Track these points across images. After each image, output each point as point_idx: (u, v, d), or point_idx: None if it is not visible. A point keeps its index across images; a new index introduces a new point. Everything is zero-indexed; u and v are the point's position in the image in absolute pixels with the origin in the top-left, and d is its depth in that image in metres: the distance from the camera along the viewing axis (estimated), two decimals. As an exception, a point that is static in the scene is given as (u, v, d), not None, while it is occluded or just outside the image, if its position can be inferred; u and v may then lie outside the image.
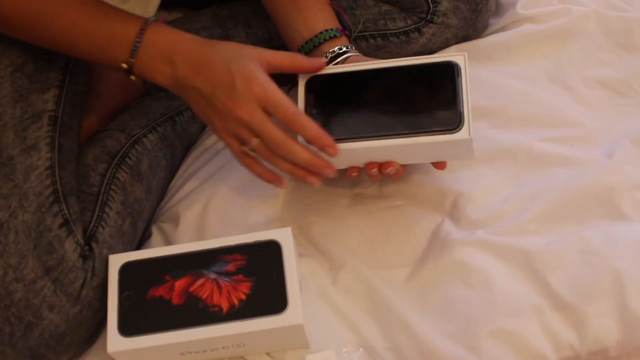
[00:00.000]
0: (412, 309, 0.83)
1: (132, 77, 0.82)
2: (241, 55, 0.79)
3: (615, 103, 0.99)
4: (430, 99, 0.82)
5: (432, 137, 0.79)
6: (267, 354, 0.83)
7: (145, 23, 0.81)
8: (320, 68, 0.84)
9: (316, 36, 0.88)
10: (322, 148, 0.79)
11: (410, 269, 0.87)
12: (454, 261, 0.85)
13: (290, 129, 0.79)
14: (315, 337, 0.82)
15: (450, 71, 0.81)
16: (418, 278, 0.86)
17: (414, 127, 0.80)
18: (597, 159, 0.91)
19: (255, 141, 0.79)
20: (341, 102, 0.84)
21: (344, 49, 0.88)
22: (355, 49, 0.89)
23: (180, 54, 0.80)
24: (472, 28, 1.03)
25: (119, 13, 0.82)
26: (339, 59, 0.88)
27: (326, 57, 0.87)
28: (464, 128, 0.78)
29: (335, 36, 0.89)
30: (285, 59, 0.82)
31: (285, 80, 1.07)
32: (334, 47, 0.88)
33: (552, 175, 0.91)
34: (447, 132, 0.79)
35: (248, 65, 0.78)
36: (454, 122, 0.78)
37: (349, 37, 0.92)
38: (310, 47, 0.89)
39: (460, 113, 0.79)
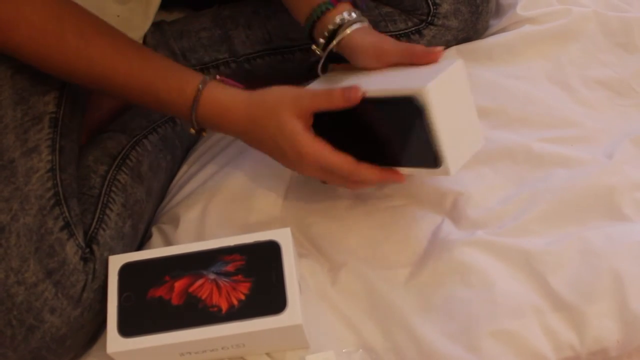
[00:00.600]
0: (412, 309, 0.83)
1: (204, 134, 0.86)
2: (283, 123, 0.79)
3: (615, 103, 0.99)
4: (406, 137, 0.77)
5: (416, 169, 0.79)
6: (267, 354, 0.83)
7: (197, 89, 0.82)
8: (357, 100, 0.76)
9: (313, 11, 0.86)
10: (392, 182, 0.82)
11: (410, 269, 0.87)
12: (454, 261, 0.85)
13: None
14: (315, 337, 0.82)
15: (415, 110, 0.73)
16: (418, 278, 0.86)
17: (394, 164, 0.79)
18: (597, 159, 0.91)
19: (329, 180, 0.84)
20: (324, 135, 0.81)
21: (345, 16, 0.84)
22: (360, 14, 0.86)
23: (229, 127, 0.83)
24: (472, 30, 1.03)
25: (172, 74, 0.83)
26: (340, 36, 0.84)
27: (325, 35, 0.85)
28: (444, 164, 0.74)
29: (327, 9, 0.85)
30: (322, 102, 0.79)
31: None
32: (333, 20, 0.85)
33: (552, 176, 0.91)
34: (429, 167, 0.76)
35: (293, 135, 0.79)
36: (433, 161, 0.75)
37: (354, 3, 0.88)
38: (311, 25, 0.87)
39: (435, 153, 0.74)
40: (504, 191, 0.91)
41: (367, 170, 0.79)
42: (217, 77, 0.84)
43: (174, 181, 1.01)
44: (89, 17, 0.81)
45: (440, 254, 0.86)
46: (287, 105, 0.79)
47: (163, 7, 1.06)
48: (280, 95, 0.80)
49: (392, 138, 0.78)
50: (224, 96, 0.82)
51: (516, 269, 0.84)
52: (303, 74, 1.09)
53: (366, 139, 0.80)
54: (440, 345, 0.80)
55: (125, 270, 0.81)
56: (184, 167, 1.02)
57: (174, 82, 0.82)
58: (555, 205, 0.88)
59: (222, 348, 0.79)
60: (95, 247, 0.83)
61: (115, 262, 0.82)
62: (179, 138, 1.02)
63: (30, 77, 0.84)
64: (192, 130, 0.84)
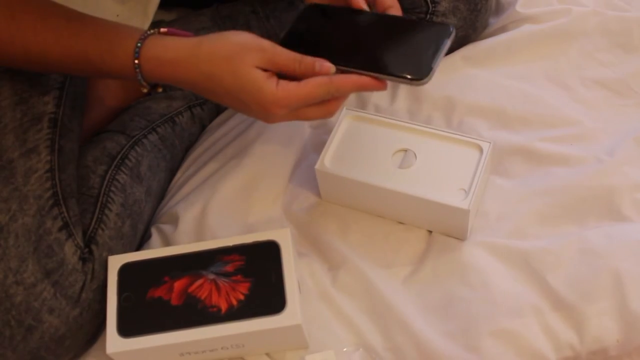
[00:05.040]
0: (412, 309, 0.83)
1: (159, 89, 0.80)
2: (242, 75, 0.72)
3: (614, 103, 0.99)
4: (405, 49, 0.76)
5: (396, 79, 0.75)
6: (267, 354, 0.83)
7: (134, 52, 0.75)
8: (329, 72, 0.73)
9: None
10: (370, 90, 0.75)
11: (409, 269, 0.87)
12: (453, 261, 0.85)
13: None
14: (315, 337, 0.82)
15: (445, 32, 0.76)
16: (417, 278, 0.86)
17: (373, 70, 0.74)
18: (597, 158, 0.91)
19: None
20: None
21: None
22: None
23: (181, 82, 0.76)
24: (471, 28, 1.03)
25: (105, 40, 0.76)
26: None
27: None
28: (427, 78, 0.73)
29: None
30: (290, 66, 0.73)
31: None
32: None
33: (551, 175, 0.91)
34: (412, 79, 0.74)
35: (255, 88, 0.72)
36: (420, 75, 0.73)
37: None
38: None
39: (429, 68, 0.73)
40: (503, 190, 0.91)
41: (342, 81, 0.72)
42: (161, 29, 0.77)
43: (173, 181, 1.01)
44: None
45: (439, 253, 0.86)
46: (246, 55, 0.72)
47: (162, 6, 1.06)
48: (236, 44, 0.73)
49: (384, 47, 0.77)
50: (166, 52, 0.75)
51: (515, 268, 0.84)
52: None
53: (347, 45, 0.78)
54: (439, 344, 0.80)
55: (125, 271, 0.81)
56: (183, 167, 1.02)
57: (108, 48, 0.75)
58: (554, 206, 0.88)
59: (222, 348, 0.79)
60: (94, 247, 0.83)
61: (115, 262, 0.82)
62: (178, 138, 1.02)
63: (30, 78, 0.84)
64: (144, 90, 0.78)
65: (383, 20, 0.79)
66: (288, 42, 0.77)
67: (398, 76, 0.73)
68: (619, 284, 0.80)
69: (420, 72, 0.73)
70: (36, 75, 0.84)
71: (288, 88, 0.72)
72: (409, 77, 0.73)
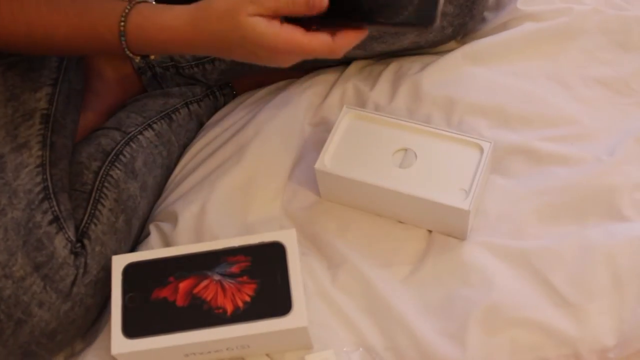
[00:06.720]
0: (412, 308, 0.83)
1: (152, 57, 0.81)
2: (244, 27, 0.72)
3: (614, 102, 0.99)
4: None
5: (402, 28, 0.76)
6: (266, 354, 0.83)
7: (124, 12, 0.76)
8: (321, 9, 0.72)
9: None
10: None
11: (409, 268, 0.87)
12: (453, 260, 0.85)
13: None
14: (315, 337, 0.82)
15: None
16: (418, 277, 0.86)
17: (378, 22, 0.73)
18: (597, 158, 0.92)
19: None
20: None
21: None
22: None
23: (174, 47, 0.77)
24: (468, 15, 1.02)
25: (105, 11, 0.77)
26: None
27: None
28: (434, 24, 0.71)
29: None
30: (283, 7, 0.73)
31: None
32: None
33: (552, 175, 0.91)
34: (417, 26, 0.72)
35: (258, 35, 0.72)
36: (425, 22, 0.71)
37: None
38: None
39: (432, 15, 0.71)
40: (504, 190, 0.91)
41: (345, 41, 0.73)
42: None
43: (171, 178, 1.01)
44: None
45: (439, 253, 0.86)
46: (242, 7, 0.72)
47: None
48: (230, 1, 0.73)
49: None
50: (157, 16, 0.76)
51: (516, 267, 0.84)
52: (302, 68, 1.08)
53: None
54: (439, 344, 0.81)
55: (129, 271, 0.81)
56: (181, 164, 1.02)
57: (116, 21, 0.76)
58: (555, 205, 0.89)
59: (227, 349, 0.79)
60: (86, 241, 0.83)
61: (119, 262, 0.82)
62: (175, 134, 1.02)
63: (22, 74, 0.84)
64: (136, 59, 0.79)
65: None
66: None
67: (404, 24, 0.71)
68: (619, 282, 0.81)
69: (425, 19, 0.70)
70: (28, 71, 0.84)
71: (291, 35, 0.72)
72: (414, 23, 0.70)
